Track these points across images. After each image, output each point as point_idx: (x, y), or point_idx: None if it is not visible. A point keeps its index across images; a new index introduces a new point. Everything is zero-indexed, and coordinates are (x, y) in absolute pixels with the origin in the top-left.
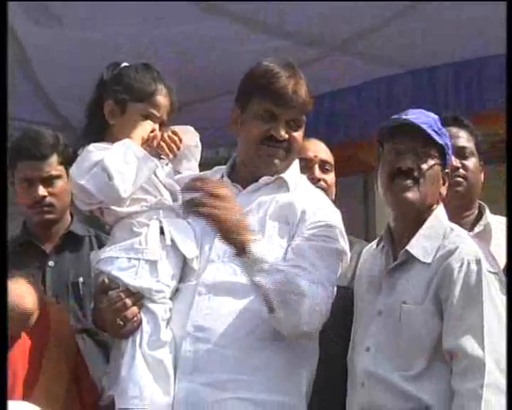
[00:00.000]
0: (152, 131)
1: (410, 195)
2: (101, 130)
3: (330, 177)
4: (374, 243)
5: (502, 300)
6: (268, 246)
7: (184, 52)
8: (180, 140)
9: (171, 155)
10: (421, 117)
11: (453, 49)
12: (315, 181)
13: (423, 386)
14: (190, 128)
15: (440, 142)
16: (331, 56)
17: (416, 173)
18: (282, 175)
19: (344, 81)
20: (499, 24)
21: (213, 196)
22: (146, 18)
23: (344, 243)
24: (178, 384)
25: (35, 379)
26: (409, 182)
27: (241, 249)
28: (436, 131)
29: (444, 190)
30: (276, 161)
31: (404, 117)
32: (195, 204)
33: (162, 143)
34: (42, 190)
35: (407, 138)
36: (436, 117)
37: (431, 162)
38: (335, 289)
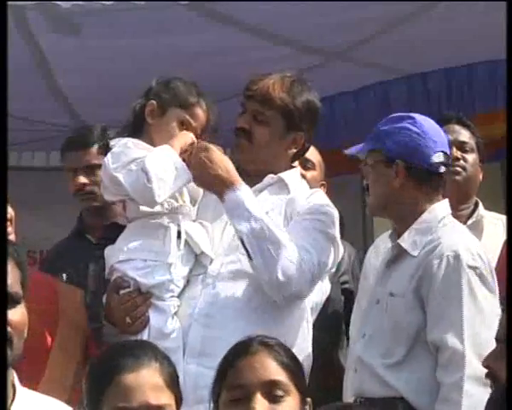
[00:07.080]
0: (191, 144)
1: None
2: (138, 128)
3: (310, 173)
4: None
5: (483, 293)
6: (254, 198)
7: (192, 59)
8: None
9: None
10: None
11: (445, 56)
12: None
13: (400, 375)
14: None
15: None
16: (331, 63)
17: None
18: (283, 177)
19: (343, 86)
20: (488, 33)
21: (203, 149)
22: (156, 28)
23: (335, 232)
24: (186, 368)
25: (44, 358)
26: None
27: (220, 197)
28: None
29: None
30: (239, 150)
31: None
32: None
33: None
34: (82, 179)
35: None
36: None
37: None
38: (326, 267)
